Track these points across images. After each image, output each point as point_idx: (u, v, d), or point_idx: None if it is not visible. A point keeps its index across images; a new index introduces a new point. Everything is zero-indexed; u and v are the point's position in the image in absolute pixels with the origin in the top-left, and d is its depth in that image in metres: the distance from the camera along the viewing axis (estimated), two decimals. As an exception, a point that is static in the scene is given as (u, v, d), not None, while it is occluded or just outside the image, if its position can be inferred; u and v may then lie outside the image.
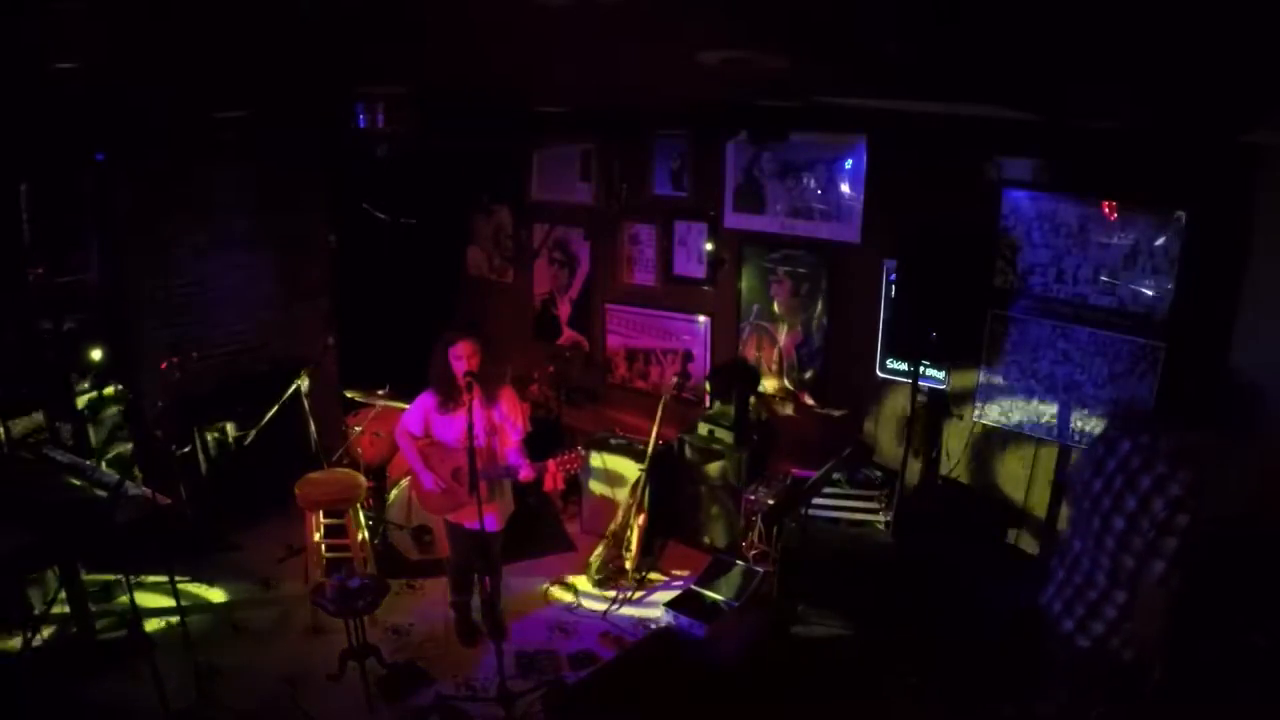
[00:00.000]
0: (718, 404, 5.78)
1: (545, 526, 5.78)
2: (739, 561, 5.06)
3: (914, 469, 5.10)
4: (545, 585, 5.19)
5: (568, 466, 4.04)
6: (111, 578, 4.79)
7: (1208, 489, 2.64)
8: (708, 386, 5.92)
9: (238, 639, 4.53)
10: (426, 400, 4.19)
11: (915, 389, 4.84)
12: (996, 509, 4.90)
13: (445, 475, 4.18)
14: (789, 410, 5.69)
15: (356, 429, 5.67)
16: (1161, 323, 4.19)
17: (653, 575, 5.29)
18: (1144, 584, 2.71)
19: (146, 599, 4.55)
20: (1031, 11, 1.59)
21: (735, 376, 5.59)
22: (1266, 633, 3.00)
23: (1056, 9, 1.55)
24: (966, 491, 5.01)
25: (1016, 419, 4.77)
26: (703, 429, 5.58)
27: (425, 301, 6.86)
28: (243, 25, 2.10)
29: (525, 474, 4.07)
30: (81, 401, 5.09)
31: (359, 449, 5.64)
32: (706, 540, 5.49)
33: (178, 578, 4.21)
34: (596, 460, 5.61)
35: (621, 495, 5.38)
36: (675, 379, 5.72)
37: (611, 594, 5.07)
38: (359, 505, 4.92)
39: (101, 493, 3.98)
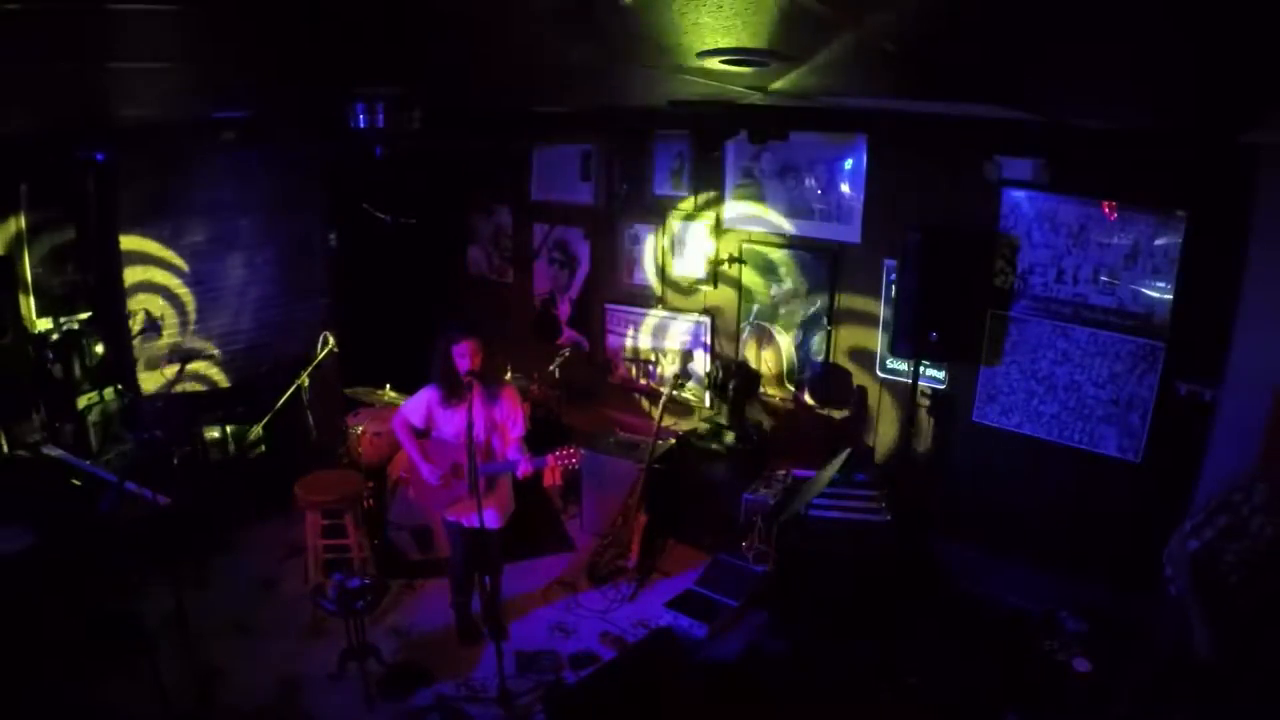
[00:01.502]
0: (718, 404, 5.78)
1: (545, 526, 5.77)
2: (739, 561, 5.06)
3: (914, 469, 5.10)
4: (545, 585, 5.19)
5: (566, 461, 4.03)
6: (112, 578, 4.78)
7: None
8: (707, 386, 5.91)
9: (238, 639, 4.53)
10: (430, 394, 4.20)
11: (915, 389, 4.84)
12: (996, 509, 4.90)
13: (445, 470, 4.18)
14: (789, 410, 5.69)
15: (356, 429, 5.67)
16: (1162, 323, 4.20)
17: (653, 575, 5.29)
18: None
19: (146, 599, 4.54)
20: (1031, 11, 1.59)
21: (734, 376, 5.59)
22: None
23: (1057, 9, 1.55)
24: (966, 491, 5.01)
25: (1016, 419, 4.77)
26: (703, 429, 5.58)
27: (425, 301, 6.85)
28: (242, 24, 2.09)
29: (524, 468, 4.08)
30: (82, 401, 5.09)
31: (359, 449, 5.63)
32: (706, 540, 5.49)
33: (177, 578, 4.21)
34: (597, 460, 5.61)
35: (621, 495, 5.38)
36: (675, 378, 5.71)
37: (611, 594, 5.07)
38: (359, 505, 4.92)
39: (101, 492, 3.98)
